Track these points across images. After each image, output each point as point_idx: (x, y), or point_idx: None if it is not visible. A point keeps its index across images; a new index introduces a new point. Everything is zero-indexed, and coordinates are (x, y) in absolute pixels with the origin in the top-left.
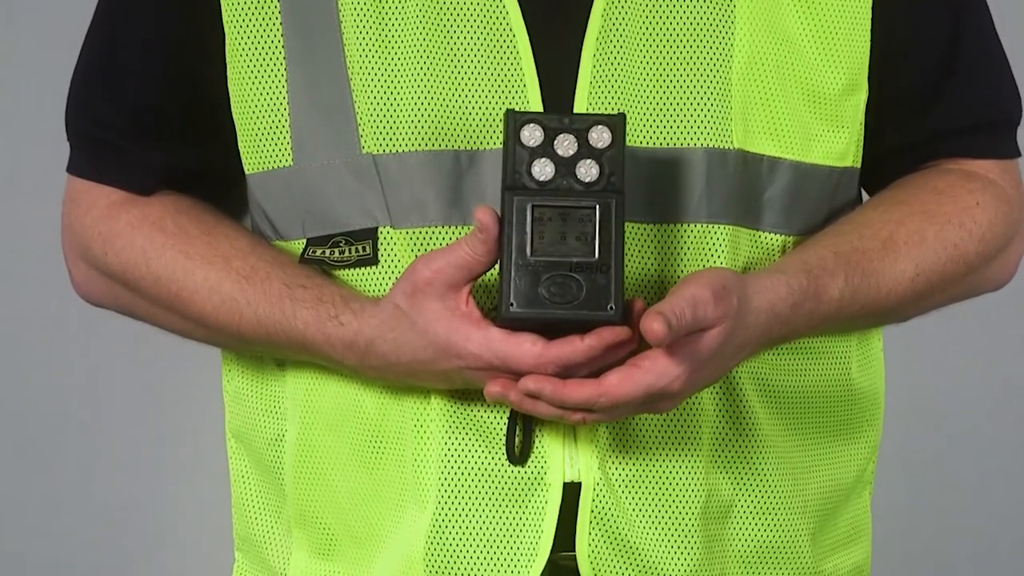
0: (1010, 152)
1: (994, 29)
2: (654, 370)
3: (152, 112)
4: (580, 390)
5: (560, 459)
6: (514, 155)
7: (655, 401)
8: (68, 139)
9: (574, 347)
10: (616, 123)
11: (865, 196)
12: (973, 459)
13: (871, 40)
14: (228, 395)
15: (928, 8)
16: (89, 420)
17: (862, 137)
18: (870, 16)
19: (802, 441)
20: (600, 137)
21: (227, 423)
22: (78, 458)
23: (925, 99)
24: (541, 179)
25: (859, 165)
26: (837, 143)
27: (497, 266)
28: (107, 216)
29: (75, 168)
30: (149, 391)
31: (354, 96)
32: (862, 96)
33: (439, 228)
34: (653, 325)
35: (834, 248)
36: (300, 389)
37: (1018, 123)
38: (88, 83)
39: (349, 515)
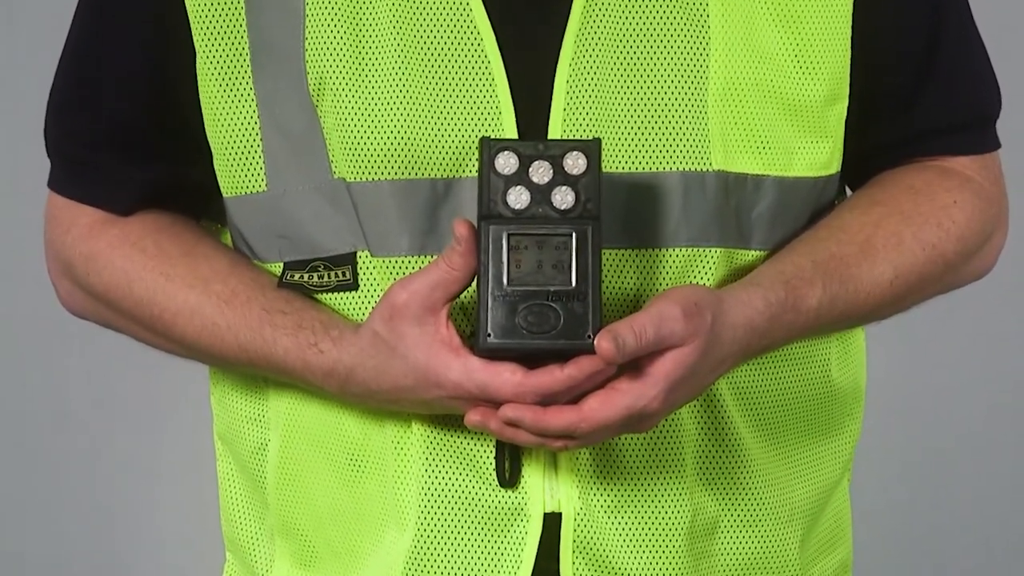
0: (989, 146)
1: (974, 24)
2: (632, 392)
3: (131, 131)
4: (560, 417)
5: (540, 489)
6: (489, 183)
7: (635, 422)
8: (48, 155)
9: (554, 377)
10: (591, 149)
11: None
12: (969, 457)
13: (852, 46)
14: (214, 399)
15: (908, 9)
16: (88, 420)
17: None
18: (850, 24)
19: (785, 449)
20: (575, 163)
21: (215, 425)
22: (78, 458)
23: (906, 100)
24: (516, 207)
25: (839, 169)
26: (821, 153)
27: (474, 288)
28: (88, 236)
29: (55, 184)
30: (149, 391)
31: (324, 123)
32: (844, 104)
33: (415, 258)
34: (601, 343)
35: (811, 256)
36: (283, 403)
37: (997, 117)
38: (66, 101)
39: (329, 529)
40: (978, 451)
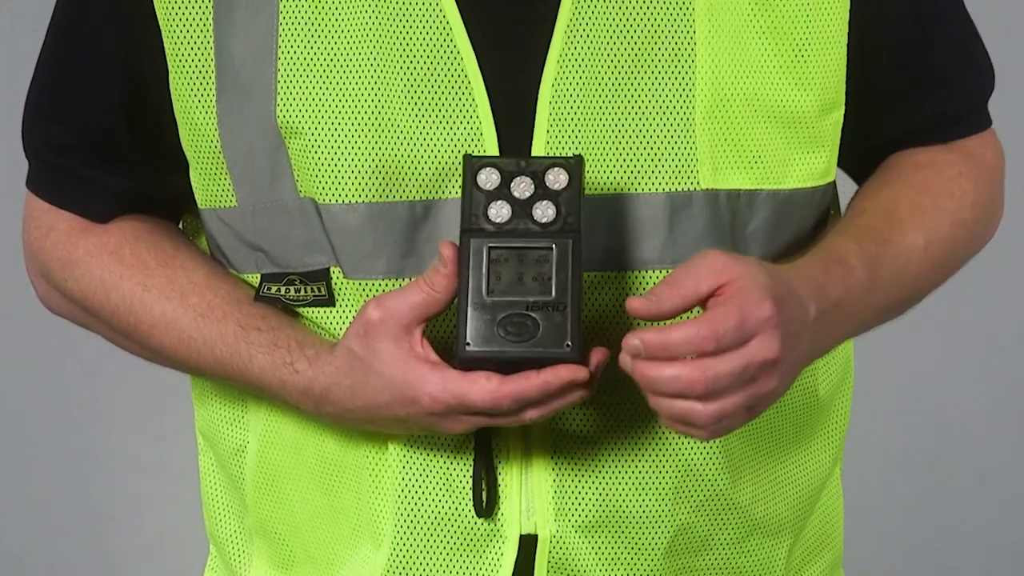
0: (983, 124)
1: (964, 9)
2: (708, 316)
3: (108, 139)
4: (681, 329)
5: (517, 511)
6: (471, 198)
7: (744, 349)
8: (26, 156)
9: (530, 381)
10: (573, 165)
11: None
12: (968, 454)
13: (849, 51)
14: (195, 395)
15: (898, 10)
16: (88, 420)
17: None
18: (846, 32)
19: (773, 460)
20: (556, 179)
21: (196, 420)
22: (77, 459)
23: (902, 98)
24: (498, 221)
25: (835, 176)
26: (818, 163)
27: (452, 310)
28: (65, 242)
29: (33, 186)
30: (148, 390)
31: (290, 146)
32: (840, 112)
33: (392, 280)
34: (632, 303)
35: (841, 230)
36: (262, 411)
37: (990, 95)
38: (43, 107)
39: (306, 535)
40: (977, 448)
